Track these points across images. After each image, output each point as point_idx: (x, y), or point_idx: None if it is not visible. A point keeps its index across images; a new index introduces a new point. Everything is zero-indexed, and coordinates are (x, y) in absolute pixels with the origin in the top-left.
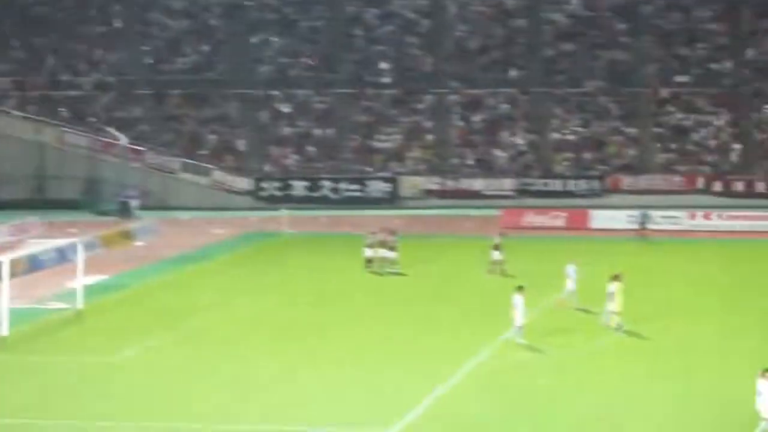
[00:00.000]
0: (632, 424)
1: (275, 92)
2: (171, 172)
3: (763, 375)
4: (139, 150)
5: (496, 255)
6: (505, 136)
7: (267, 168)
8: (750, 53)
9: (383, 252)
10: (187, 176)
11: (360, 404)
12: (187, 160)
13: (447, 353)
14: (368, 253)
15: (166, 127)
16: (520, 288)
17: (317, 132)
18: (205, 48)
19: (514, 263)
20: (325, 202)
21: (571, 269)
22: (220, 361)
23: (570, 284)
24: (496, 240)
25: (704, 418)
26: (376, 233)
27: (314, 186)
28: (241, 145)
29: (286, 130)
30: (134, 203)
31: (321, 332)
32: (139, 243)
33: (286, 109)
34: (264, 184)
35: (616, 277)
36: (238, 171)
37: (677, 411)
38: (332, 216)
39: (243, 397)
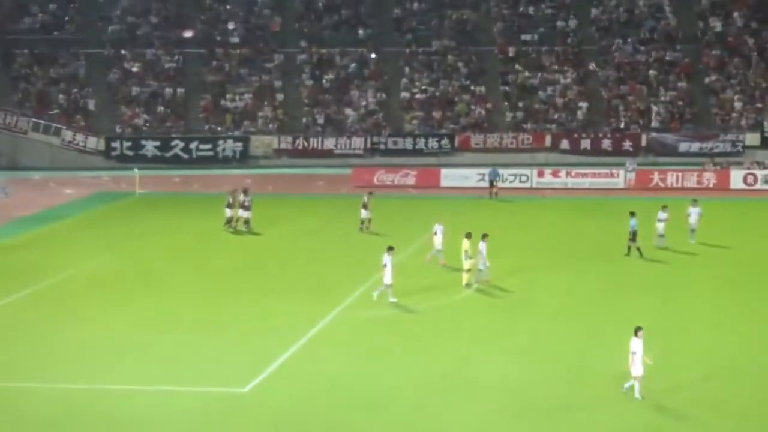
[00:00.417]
0: (485, 377)
1: (124, 51)
2: (21, 132)
3: (635, 334)
4: None
5: (364, 213)
6: (354, 95)
7: (117, 128)
8: (594, 12)
9: (240, 212)
10: (38, 136)
11: (218, 363)
12: (37, 120)
13: (303, 312)
14: (228, 212)
15: (14, 87)
16: (390, 248)
17: (167, 91)
18: (53, 7)
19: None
20: (176, 161)
21: (438, 228)
22: (73, 321)
23: (437, 243)
24: (365, 198)
25: (554, 374)
26: (237, 192)
27: (165, 146)
28: (91, 104)
29: (136, 90)
30: None
31: (175, 293)
32: None
33: (135, 68)
34: (115, 144)
35: (484, 237)
36: (89, 131)
37: (531, 367)
38: (184, 175)
39: (96, 357)
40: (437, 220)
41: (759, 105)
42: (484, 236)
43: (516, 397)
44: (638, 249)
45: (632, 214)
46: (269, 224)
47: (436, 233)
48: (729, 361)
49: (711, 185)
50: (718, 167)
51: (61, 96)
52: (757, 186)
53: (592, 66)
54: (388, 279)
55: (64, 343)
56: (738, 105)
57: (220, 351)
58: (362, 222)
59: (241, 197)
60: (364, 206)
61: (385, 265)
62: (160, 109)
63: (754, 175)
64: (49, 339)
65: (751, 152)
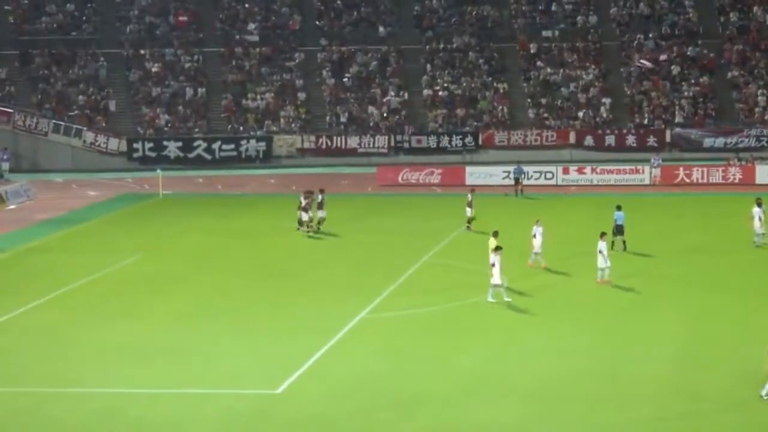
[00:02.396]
0: (517, 376)
1: (143, 51)
2: (41, 134)
3: None
4: (7, 112)
5: (470, 212)
6: (377, 93)
7: (139, 129)
8: (614, 8)
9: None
10: (58, 138)
11: (249, 365)
12: (58, 122)
13: (333, 312)
14: (304, 215)
15: (33, 88)
16: (498, 248)
17: (188, 92)
18: (70, 7)
19: (393, 220)
20: (199, 162)
21: (537, 230)
22: (103, 324)
23: (536, 245)
24: (469, 197)
25: (588, 372)
26: (312, 193)
27: (188, 146)
28: (111, 105)
29: (156, 90)
30: (4, 166)
31: (204, 294)
32: (11, 206)
33: (155, 68)
34: (137, 145)
35: (602, 235)
36: (110, 132)
37: (564, 365)
38: (207, 176)
39: (126, 359)
40: (535, 222)
41: None
42: (603, 234)
43: (549, 395)
44: (623, 242)
45: (618, 207)
46: (295, 224)
47: (535, 236)
48: None
49: (737, 180)
50: (744, 162)
51: (81, 97)
52: None
53: (634, 64)
54: (497, 279)
55: (94, 346)
56: (762, 99)
57: (251, 352)
58: (469, 221)
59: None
60: (469, 204)
61: (493, 265)
62: (181, 109)
63: None
64: (78, 342)
65: None
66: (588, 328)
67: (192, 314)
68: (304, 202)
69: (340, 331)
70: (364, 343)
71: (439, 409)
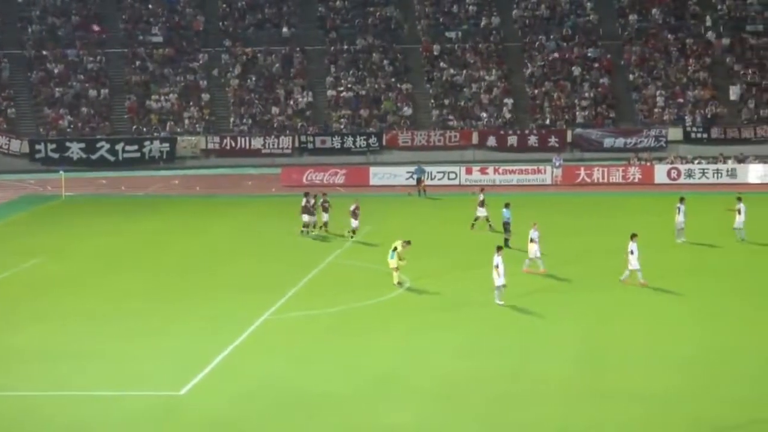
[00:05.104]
0: (420, 376)
1: (45, 52)
2: None
3: None
4: None
5: (482, 211)
6: (281, 94)
7: (41, 130)
8: (516, 10)
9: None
10: None
11: (152, 367)
12: None
13: (237, 313)
14: (306, 218)
15: None
16: (499, 248)
17: (91, 93)
18: None
19: (297, 221)
20: (102, 163)
21: (534, 234)
22: (5, 327)
23: (534, 249)
24: (481, 197)
25: (492, 372)
26: (312, 196)
27: (91, 147)
28: (13, 106)
29: (59, 91)
30: None
31: (106, 296)
32: None
33: (57, 69)
34: (39, 147)
35: (633, 236)
36: (12, 133)
37: (468, 365)
38: (111, 177)
39: (29, 363)
40: (531, 226)
41: (680, 100)
42: (633, 236)
43: (452, 396)
44: (506, 240)
45: (506, 205)
46: (200, 225)
47: (532, 240)
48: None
49: (636, 180)
50: (643, 162)
51: None
52: (681, 180)
53: (527, 69)
54: (500, 280)
55: None
56: (660, 100)
57: (154, 354)
58: (477, 219)
59: (306, 200)
60: (482, 204)
61: (497, 266)
62: (84, 110)
63: (677, 169)
64: None
65: (674, 147)
66: (493, 329)
67: (97, 316)
68: (307, 202)
69: (245, 332)
70: (269, 344)
71: (344, 410)
